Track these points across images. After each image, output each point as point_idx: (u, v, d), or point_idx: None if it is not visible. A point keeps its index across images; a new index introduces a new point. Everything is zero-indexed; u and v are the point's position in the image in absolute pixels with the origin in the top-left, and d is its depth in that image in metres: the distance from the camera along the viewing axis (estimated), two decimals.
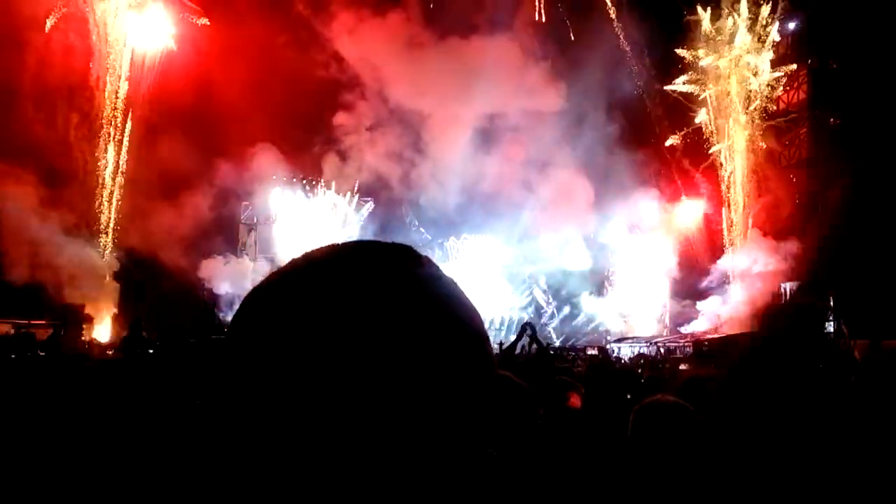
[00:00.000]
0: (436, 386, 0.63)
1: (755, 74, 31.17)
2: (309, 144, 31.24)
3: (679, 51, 31.92)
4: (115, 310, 25.64)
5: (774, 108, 31.70)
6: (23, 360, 8.03)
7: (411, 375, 0.62)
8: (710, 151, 32.29)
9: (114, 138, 26.77)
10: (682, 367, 12.13)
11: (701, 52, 31.48)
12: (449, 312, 0.67)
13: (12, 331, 16.67)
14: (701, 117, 32.20)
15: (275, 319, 0.64)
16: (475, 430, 0.65)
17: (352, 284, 0.64)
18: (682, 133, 32.83)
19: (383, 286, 0.65)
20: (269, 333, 0.63)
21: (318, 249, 0.70)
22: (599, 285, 33.76)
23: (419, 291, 0.67)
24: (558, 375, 4.27)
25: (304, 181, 32.11)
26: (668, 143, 33.05)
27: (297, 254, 0.71)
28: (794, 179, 30.63)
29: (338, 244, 0.71)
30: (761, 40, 31.03)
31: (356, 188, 32.31)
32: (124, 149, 26.95)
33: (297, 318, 0.63)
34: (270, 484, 0.61)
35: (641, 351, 25.87)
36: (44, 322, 19.70)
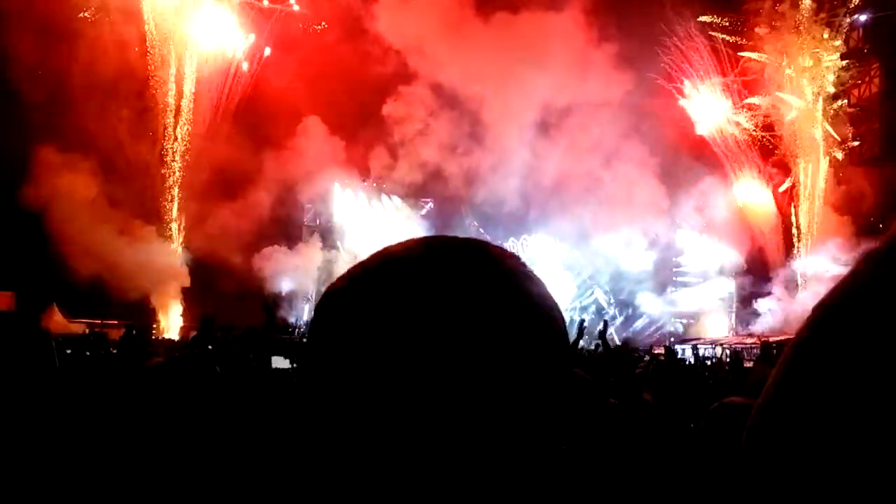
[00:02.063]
0: (525, 384, 0.63)
1: (819, 60, 30.22)
2: (370, 145, 31.38)
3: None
4: (181, 306, 26.09)
5: (846, 100, 30.64)
6: (98, 360, 8.29)
7: (499, 373, 0.62)
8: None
9: (176, 135, 27.35)
10: (748, 364, 11.83)
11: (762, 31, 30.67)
12: (534, 309, 0.66)
13: (87, 330, 17.24)
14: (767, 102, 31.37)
15: (359, 321, 0.64)
16: (552, 426, 0.66)
17: (435, 282, 0.64)
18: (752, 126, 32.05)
19: (463, 283, 0.64)
20: (354, 334, 0.64)
21: (395, 246, 0.70)
22: (663, 286, 33.06)
23: (503, 289, 0.66)
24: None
25: (365, 182, 32.38)
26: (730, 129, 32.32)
27: (368, 253, 0.71)
28: (870, 174, 29.45)
29: (415, 240, 0.71)
30: (831, 26, 30.06)
31: (415, 188, 32.43)
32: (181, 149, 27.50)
33: (379, 318, 0.63)
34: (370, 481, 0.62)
35: (707, 352, 25.27)
36: (116, 322, 20.15)
